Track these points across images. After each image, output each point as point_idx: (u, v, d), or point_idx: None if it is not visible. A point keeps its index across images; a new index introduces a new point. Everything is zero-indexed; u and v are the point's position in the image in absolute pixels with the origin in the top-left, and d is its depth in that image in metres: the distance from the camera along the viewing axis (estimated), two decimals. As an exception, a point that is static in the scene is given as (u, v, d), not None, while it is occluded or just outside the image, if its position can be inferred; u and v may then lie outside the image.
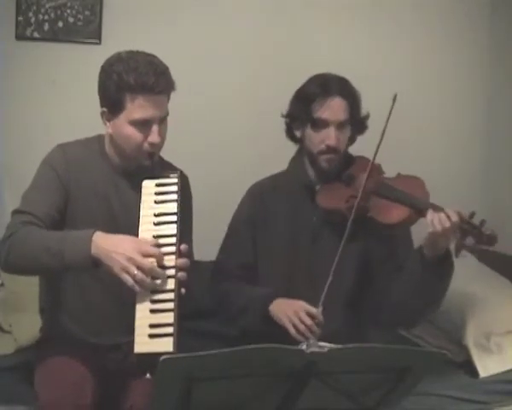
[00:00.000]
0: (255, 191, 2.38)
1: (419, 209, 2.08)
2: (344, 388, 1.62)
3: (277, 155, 2.37)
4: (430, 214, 2.02)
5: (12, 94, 2.98)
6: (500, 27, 3.36)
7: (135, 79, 1.94)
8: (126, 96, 1.95)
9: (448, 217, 1.99)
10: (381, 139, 2.13)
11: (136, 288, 1.78)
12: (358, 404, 1.67)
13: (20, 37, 3.00)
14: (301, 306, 2.09)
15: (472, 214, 2.03)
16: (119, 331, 2.00)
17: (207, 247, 2.37)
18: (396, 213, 2.11)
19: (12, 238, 1.89)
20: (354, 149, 2.35)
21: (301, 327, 2.06)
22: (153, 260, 1.81)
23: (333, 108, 2.21)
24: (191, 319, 2.49)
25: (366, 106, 2.31)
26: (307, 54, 3.17)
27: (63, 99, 3.01)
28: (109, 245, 1.81)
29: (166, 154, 2.19)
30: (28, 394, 2.02)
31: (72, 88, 3.00)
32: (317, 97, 2.21)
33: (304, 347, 1.54)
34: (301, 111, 2.25)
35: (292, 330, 2.07)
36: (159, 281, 1.81)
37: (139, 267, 1.78)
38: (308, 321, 2.06)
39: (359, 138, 2.35)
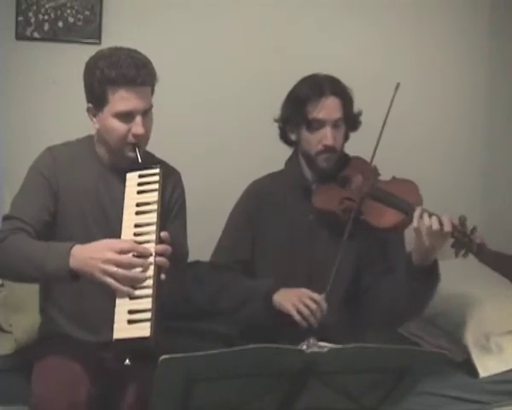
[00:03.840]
0: (253, 190, 2.38)
1: (412, 214, 2.06)
2: (344, 388, 1.62)
3: (276, 155, 2.37)
4: (418, 211, 2.00)
5: (12, 94, 2.98)
6: (500, 27, 3.36)
7: (116, 73, 1.98)
8: (108, 90, 1.99)
9: (441, 224, 1.97)
10: (381, 134, 2.15)
11: (121, 287, 1.80)
12: (358, 404, 1.67)
13: (20, 37, 3.00)
14: (305, 292, 2.12)
15: (463, 221, 2.01)
16: None
17: (207, 247, 2.38)
18: (389, 218, 2.12)
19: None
20: (353, 149, 2.35)
21: (305, 311, 2.08)
22: (130, 254, 1.82)
23: (328, 108, 2.21)
24: (191, 319, 2.49)
25: (366, 105, 2.31)
26: (307, 54, 3.16)
27: (63, 99, 3.01)
28: (85, 253, 1.84)
29: (166, 156, 2.18)
30: (28, 394, 2.01)
31: (72, 88, 2.99)
32: (310, 98, 2.21)
33: (304, 347, 1.54)
34: (295, 113, 2.25)
35: (296, 316, 2.09)
36: (139, 269, 1.82)
37: (118, 265, 1.80)
38: (312, 305, 2.08)
39: (358, 136, 2.34)
